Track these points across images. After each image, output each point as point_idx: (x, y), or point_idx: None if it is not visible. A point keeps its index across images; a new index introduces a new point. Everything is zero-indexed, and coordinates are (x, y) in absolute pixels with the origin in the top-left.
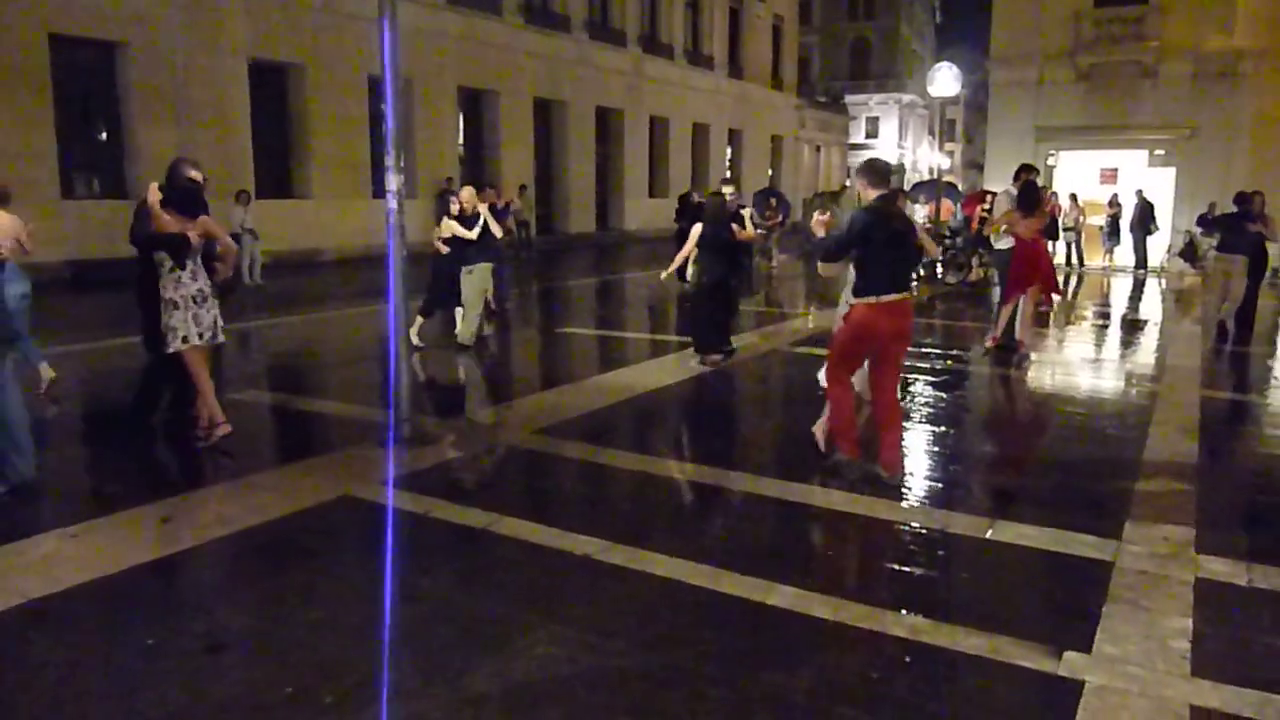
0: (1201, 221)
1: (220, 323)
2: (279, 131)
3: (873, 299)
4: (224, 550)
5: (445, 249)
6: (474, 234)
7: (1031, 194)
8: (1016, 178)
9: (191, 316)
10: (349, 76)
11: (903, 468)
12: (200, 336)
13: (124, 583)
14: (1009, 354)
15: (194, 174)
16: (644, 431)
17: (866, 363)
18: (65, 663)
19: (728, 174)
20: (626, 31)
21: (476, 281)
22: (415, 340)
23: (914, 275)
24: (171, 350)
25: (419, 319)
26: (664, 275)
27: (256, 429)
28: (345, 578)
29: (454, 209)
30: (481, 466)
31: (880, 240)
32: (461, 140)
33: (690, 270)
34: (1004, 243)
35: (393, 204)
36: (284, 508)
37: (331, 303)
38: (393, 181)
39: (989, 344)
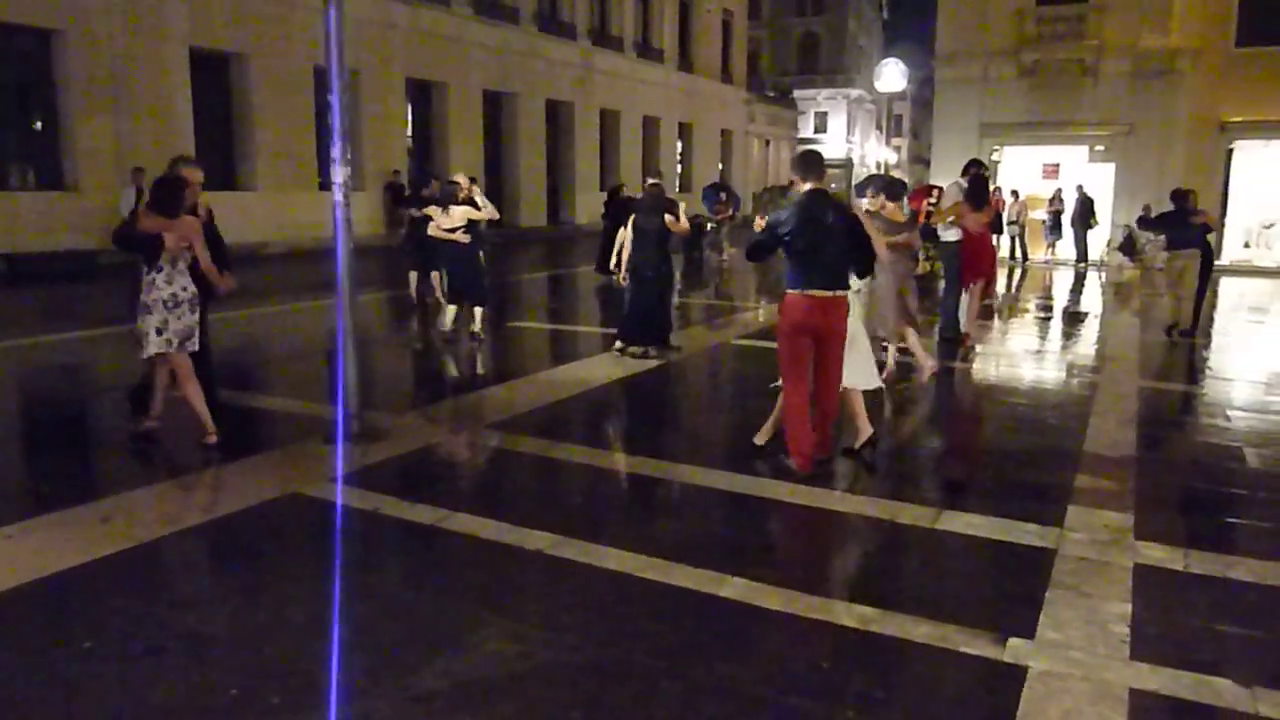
0: (1143, 222)
1: (194, 334)
2: (222, 122)
3: (799, 292)
4: (167, 550)
5: (465, 237)
6: (494, 212)
7: (981, 188)
8: (965, 172)
9: (161, 322)
10: (295, 66)
11: (830, 447)
12: (170, 344)
13: (62, 584)
14: (955, 346)
15: (187, 171)
16: (596, 426)
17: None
18: None
19: (659, 169)
20: (576, 24)
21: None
22: (447, 326)
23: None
24: (144, 355)
25: (451, 308)
26: (618, 278)
27: (177, 424)
28: (292, 577)
29: (461, 196)
30: (432, 462)
31: (809, 233)
32: (410, 132)
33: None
34: (950, 234)
35: (339, 197)
36: (230, 506)
37: (279, 296)
38: (339, 174)
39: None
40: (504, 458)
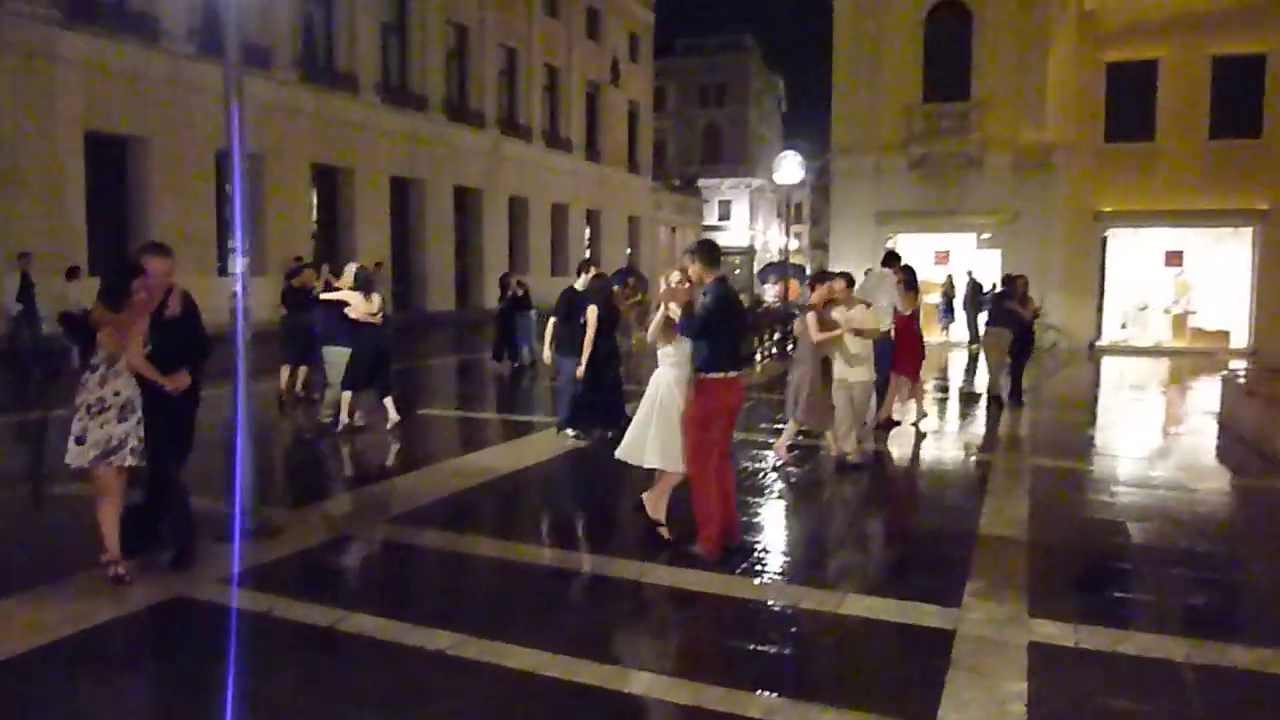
0: (979, 302)
1: (129, 445)
2: (117, 206)
3: (720, 374)
4: (37, 663)
5: (379, 320)
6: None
7: (913, 274)
8: (888, 263)
9: (82, 430)
10: (195, 149)
11: (739, 533)
12: (87, 456)
13: None
14: (890, 428)
15: (149, 259)
16: (505, 516)
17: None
18: None
19: (588, 254)
20: (485, 113)
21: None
22: (353, 421)
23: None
24: (66, 462)
25: (347, 395)
26: (579, 371)
27: (81, 526)
28: (175, 688)
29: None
30: (330, 559)
31: (726, 319)
32: (315, 216)
33: (581, 355)
34: (885, 323)
35: (238, 287)
36: (108, 613)
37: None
38: (239, 264)
39: (881, 420)
40: (406, 552)
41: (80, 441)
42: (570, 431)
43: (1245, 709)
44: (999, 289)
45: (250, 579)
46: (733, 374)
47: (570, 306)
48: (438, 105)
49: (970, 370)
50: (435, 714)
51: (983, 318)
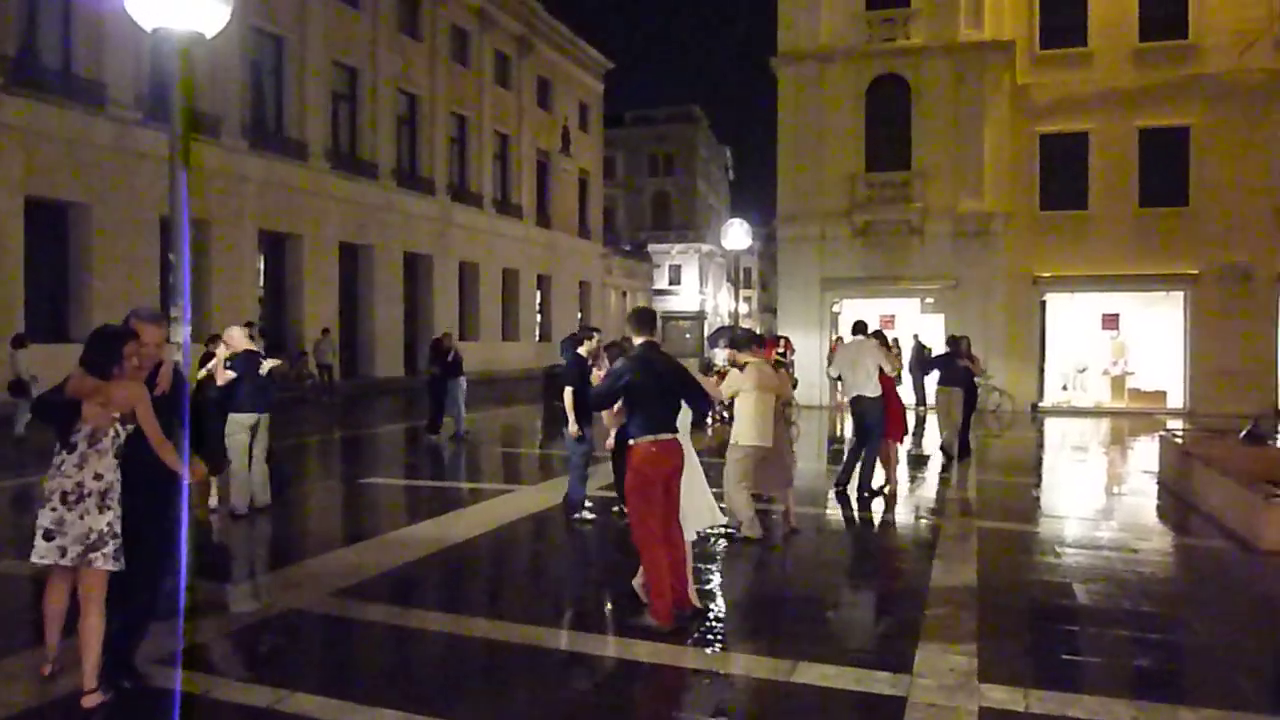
0: (922, 363)
1: (108, 543)
2: (58, 271)
3: (648, 439)
4: None
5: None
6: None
7: (885, 339)
8: (861, 330)
9: (55, 521)
10: (139, 216)
11: (690, 603)
12: (63, 553)
13: None
14: (872, 499)
15: (141, 325)
16: (453, 589)
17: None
18: None
19: (593, 327)
20: (435, 180)
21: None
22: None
23: (708, 415)
24: (32, 561)
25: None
26: (609, 443)
27: (1, 605)
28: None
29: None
30: (269, 636)
31: (649, 383)
32: (262, 283)
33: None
34: (873, 390)
35: (180, 356)
36: (28, 699)
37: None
38: (181, 333)
39: (886, 490)
40: (350, 628)
41: (50, 536)
42: (579, 515)
43: None
44: (937, 352)
45: (183, 660)
46: (664, 437)
47: (584, 374)
48: (388, 172)
49: (919, 432)
50: None
51: (930, 379)
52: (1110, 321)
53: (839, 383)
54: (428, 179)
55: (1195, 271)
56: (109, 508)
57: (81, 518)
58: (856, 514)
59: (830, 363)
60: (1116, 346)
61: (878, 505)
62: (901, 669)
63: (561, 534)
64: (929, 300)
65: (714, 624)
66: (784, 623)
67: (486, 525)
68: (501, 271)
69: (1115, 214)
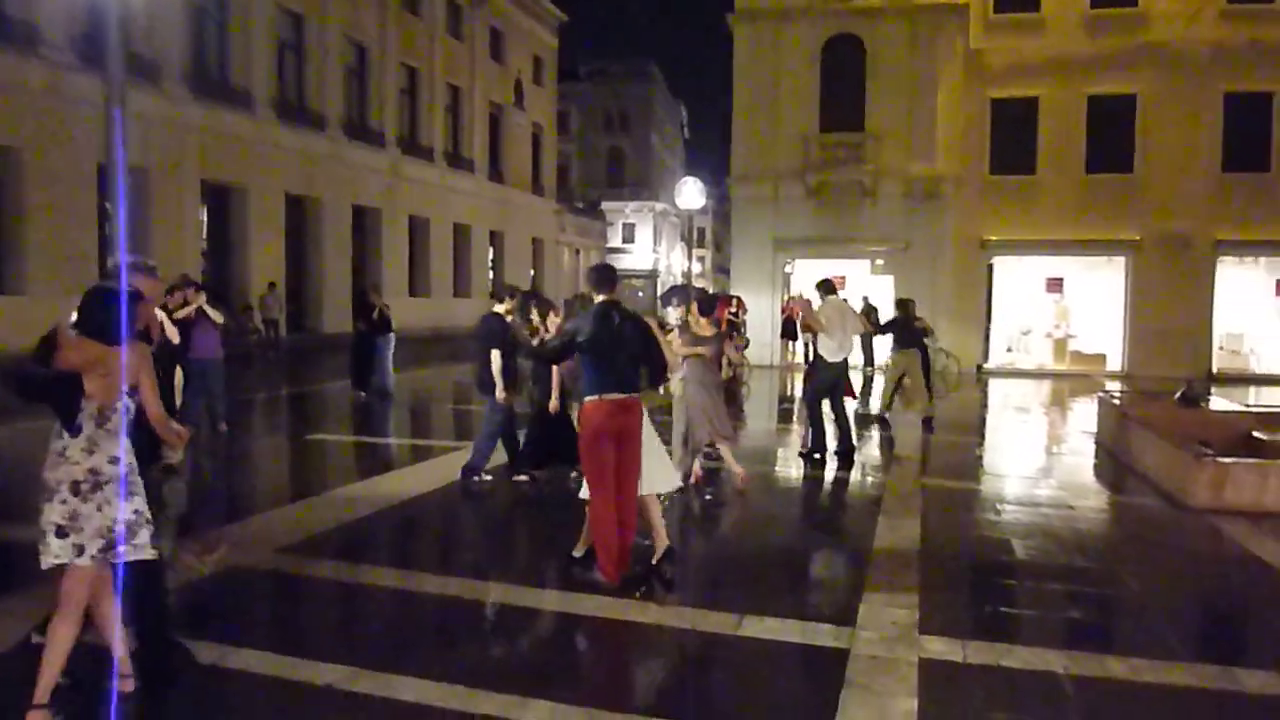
0: (879, 327)
1: (139, 531)
2: None
3: (597, 397)
4: None
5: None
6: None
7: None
8: (830, 291)
9: (68, 515)
10: (75, 164)
11: (628, 566)
12: (81, 551)
13: None
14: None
15: (141, 282)
16: (400, 544)
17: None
18: None
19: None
20: (385, 132)
21: None
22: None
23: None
24: (44, 567)
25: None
26: (553, 405)
27: None
28: None
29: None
30: (212, 593)
31: (605, 341)
32: (206, 235)
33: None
34: (838, 355)
35: (125, 305)
36: None
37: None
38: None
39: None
40: (295, 584)
41: (64, 533)
42: (521, 476)
43: (1120, 716)
44: (887, 316)
45: (124, 616)
46: (616, 396)
47: (505, 334)
48: (336, 123)
49: (865, 392)
50: None
51: (883, 342)
52: (1054, 285)
53: (793, 343)
54: (377, 131)
55: (1137, 237)
56: (135, 493)
57: (100, 509)
58: (799, 472)
59: (820, 320)
60: (1059, 310)
61: (831, 464)
62: (845, 622)
63: (510, 491)
64: (879, 262)
65: (663, 578)
66: (731, 578)
67: (435, 482)
68: (453, 227)
69: (1063, 179)
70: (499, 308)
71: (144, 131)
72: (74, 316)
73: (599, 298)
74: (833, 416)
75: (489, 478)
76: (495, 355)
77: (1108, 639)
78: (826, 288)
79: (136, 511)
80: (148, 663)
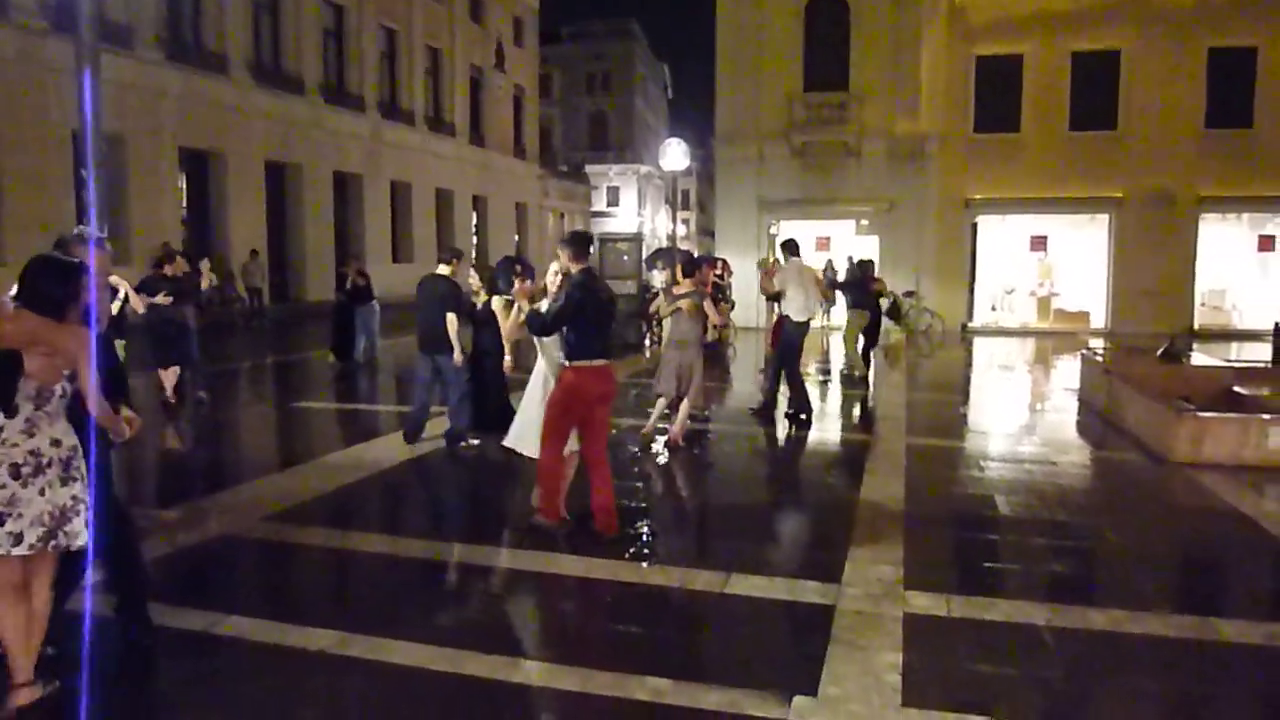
0: (831, 285)
1: (73, 517)
2: None
3: (584, 363)
4: None
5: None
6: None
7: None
8: (794, 252)
9: (5, 501)
10: (49, 132)
11: (617, 526)
12: (19, 540)
13: None
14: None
15: (85, 253)
16: (388, 510)
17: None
18: None
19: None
20: (365, 96)
21: None
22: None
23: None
24: None
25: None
26: (508, 364)
27: None
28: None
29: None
30: (202, 561)
31: (591, 309)
32: (185, 203)
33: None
34: (802, 315)
35: (93, 279)
36: None
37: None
38: (91, 254)
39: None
40: (285, 551)
41: (0, 521)
42: (469, 442)
43: (1100, 667)
44: (833, 273)
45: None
46: (598, 362)
47: (463, 299)
48: (314, 87)
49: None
50: (317, 715)
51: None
52: (1038, 243)
53: (777, 303)
54: (357, 95)
55: (1121, 195)
56: (74, 478)
57: (42, 493)
58: (785, 432)
59: (773, 284)
60: (1043, 268)
61: (803, 423)
62: (830, 579)
63: (495, 455)
64: (864, 222)
65: (650, 539)
66: (718, 537)
67: (420, 448)
68: (435, 192)
69: (1046, 137)
70: (443, 269)
71: (119, 97)
72: (14, 289)
73: (577, 267)
74: (787, 378)
75: (476, 441)
76: (452, 318)
77: (1089, 591)
78: (790, 248)
79: (74, 496)
80: (129, 634)
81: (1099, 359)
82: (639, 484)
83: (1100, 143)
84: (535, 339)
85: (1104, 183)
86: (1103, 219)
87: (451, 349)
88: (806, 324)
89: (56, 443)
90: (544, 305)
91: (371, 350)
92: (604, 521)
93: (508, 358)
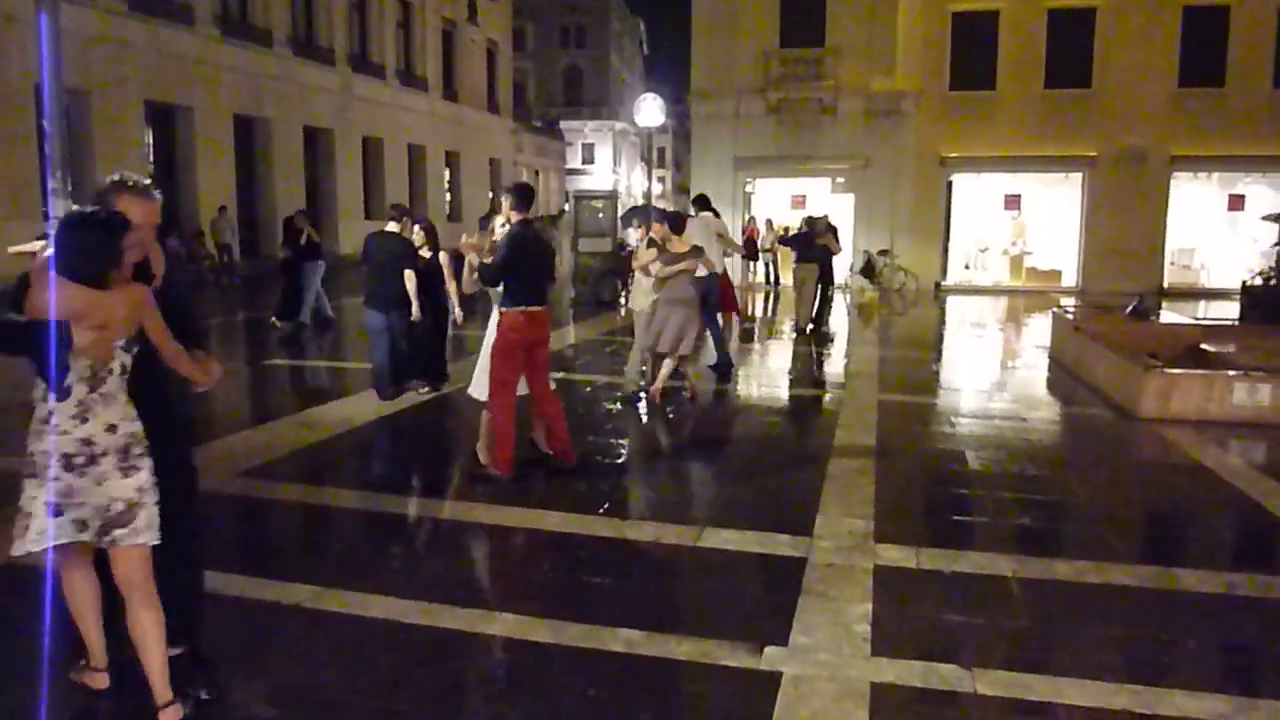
0: (784, 240)
1: (139, 512)
2: None
3: (521, 309)
4: None
5: None
6: None
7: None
8: (705, 207)
9: (62, 491)
10: (10, 83)
11: (574, 455)
12: (84, 528)
13: None
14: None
15: (127, 201)
16: (362, 466)
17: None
18: None
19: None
20: (335, 49)
21: None
22: None
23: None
24: (31, 550)
25: None
26: (458, 316)
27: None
28: (13, 655)
29: None
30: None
31: (529, 258)
32: (152, 157)
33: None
34: (717, 265)
35: (53, 232)
36: None
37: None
38: (58, 206)
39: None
40: (259, 506)
41: (60, 511)
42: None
43: (1064, 616)
44: (784, 233)
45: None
46: (534, 309)
47: (415, 255)
48: (283, 40)
49: (823, 311)
50: (294, 666)
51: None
52: (1012, 202)
53: (753, 263)
54: (326, 48)
55: (1094, 153)
56: (137, 467)
57: (99, 483)
58: (757, 388)
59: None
60: (1017, 227)
61: (766, 378)
62: (802, 533)
63: (471, 410)
64: (840, 180)
65: (624, 494)
66: (690, 492)
67: (395, 405)
68: (407, 147)
69: (1022, 95)
70: (392, 226)
71: (81, 49)
72: (49, 247)
73: (517, 216)
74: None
75: (425, 389)
76: (410, 275)
77: (1055, 543)
78: (699, 203)
79: (139, 489)
80: (189, 689)
81: (1069, 317)
82: (615, 440)
83: (1075, 100)
84: (490, 291)
85: (1078, 141)
86: (1076, 178)
87: (409, 305)
88: (709, 277)
89: (112, 428)
90: (475, 261)
91: (322, 309)
92: (560, 450)
93: (458, 310)
